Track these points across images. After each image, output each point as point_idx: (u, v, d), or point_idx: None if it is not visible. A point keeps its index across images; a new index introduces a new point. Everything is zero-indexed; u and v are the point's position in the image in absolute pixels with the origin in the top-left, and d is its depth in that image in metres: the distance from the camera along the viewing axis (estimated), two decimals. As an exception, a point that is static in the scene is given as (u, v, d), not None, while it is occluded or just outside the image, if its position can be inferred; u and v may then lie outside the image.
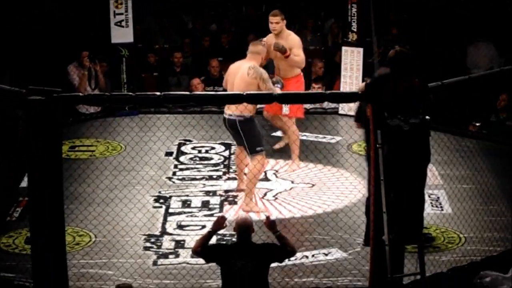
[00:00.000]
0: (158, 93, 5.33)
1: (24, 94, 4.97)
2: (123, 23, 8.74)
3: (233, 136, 7.03)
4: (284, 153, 7.99)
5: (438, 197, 7.04)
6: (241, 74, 6.84)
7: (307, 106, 9.14)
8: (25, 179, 6.81)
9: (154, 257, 6.21)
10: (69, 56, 9.20)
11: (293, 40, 7.59)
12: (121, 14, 8.77)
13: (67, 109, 8.43)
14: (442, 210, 6.86)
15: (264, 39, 7.55)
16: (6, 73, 9.38)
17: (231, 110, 6.78)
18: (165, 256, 6.22)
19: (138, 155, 7.63)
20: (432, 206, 6.88)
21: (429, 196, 6.92)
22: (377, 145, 5.14)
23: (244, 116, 6.78)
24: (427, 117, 5.09)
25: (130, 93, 5.60)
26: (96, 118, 8.86)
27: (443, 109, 7.99)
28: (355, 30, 8.96)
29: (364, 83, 5.32)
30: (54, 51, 9.42)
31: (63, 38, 9.54)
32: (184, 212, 6.88)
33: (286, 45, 7.50)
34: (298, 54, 7.54)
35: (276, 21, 7.54)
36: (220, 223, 5.25)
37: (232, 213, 6.78)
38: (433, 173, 7.28)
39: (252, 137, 6.81)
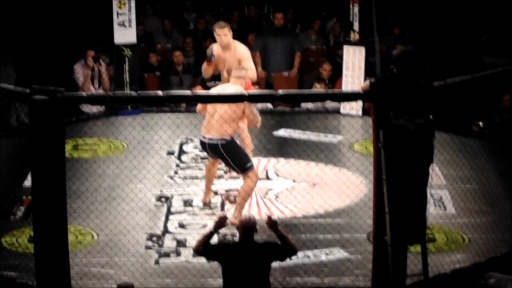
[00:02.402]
0: (160, 92, 5.34)
1: (28, 93, 4.98)
2: (126, 23, 8.75)
3: (211, 156, 6.79)
4: (285, 152, 8.00)
5: (441, 197, 7.05)
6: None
7: (310, 105, 9.17)
8: (29, 177, 6.83)
9: (156, 256, 6.22)
10: (76, 54, 9.23)
11: (242, 53, 7.33)
12: (124, 14, 8.78)
13: (70, 108, 8.46)
14: (445, 210, 6.86)
15: (215, 49, 7.30)
16: (10, 67, 9.43)
17: (210, 134, 6.53)
18: (167, 255, 6.23)
19: (140, 154, 7.64)
20: (435, 206, 6.88)
21: (432, 196, 6.91)
22: (379, 145, 5.14)
23: (225, 139, 6.53)
24: (430, 117, 5.10)
25: (133, 93, 5.59)
26: (98, 117, 8.88)
27: (447, 109, 8.00)
28: (357, 29, 8.96)
29: (367, 82, 5.31)
30: (61, 49, 9.45)
31: (70, 37, 9.58)
32: (186, 211, 6.89)
33: (235, 57, 7.28)
34: (249, 67, 7.23)
35: (224, 34, 7.26)
36: (221, 222, 5.26)
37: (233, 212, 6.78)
38: (436, 173, 7.28)
39: (238, 157, 6.58)
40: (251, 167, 6.60)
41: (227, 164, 6.74)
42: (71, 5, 10.00)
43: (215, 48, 7.32)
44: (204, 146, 6.69)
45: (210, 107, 6.62)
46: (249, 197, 6.69)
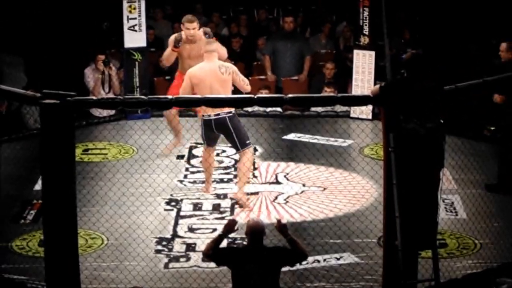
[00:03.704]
0: (169, 96, 5.34)
1: (39, 97, 4.99)
2: (136, 28, 8.76)
3: (212, 139, 7.07)
4: (295, 156, 7.99)
5: (453, 202, 7.01)
6: (215, 76, 6.87)
7: (319, 109, 9.16)
8: (39, 181, 6.84)
9: (165, 260, 6.22)
10: (87, 58, 9.26)
11: (210, 42, 7.56)
12: (134, 18, 8.80)
13: (80, 112, 8.48)
14: (457, 215, 6.83)
15: (183, 35, 7.62)
16: (21, 71, 9.46)
17: (217, 110, 6.82)
18: (176, 259, 6.23)
19: (150, 158, 7.64)
20: (446, 211, 6.85)
21: (443, 201, 6.88)
22: (390, 149, 5.13)
23: (231, 112, 6.90)
24: (441, 120, 5.08)
25: (143, 97, 5.60)
26: (109, 121, 8.89)
27: (458, 113, 7.96)
28: (367, 33, 8.95)
29: (377, 86, 5.29)
30: (71, 53, 9.48)
31: (80, 41, 9.60)
32: (195, 215, 6.89)
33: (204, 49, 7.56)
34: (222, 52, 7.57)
35: (193, 27, 7.63)
36: (231, 226, 5.25)
37: (243, 216, 6.78)
38: (447, 178, 7.24)
39: (241, 131, 6.94)
40: (250, 144, 6.99)
41: (230, 139, 6.98)
42: (81, 9, 10.03)
43: (183, 34, 7.63)
44: (209, 125, 6.93)
45: (203, 90, 6.82)
46: (250, 173, 6.99)
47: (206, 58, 7.00)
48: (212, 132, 6.99)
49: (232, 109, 6.90)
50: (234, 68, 7.01)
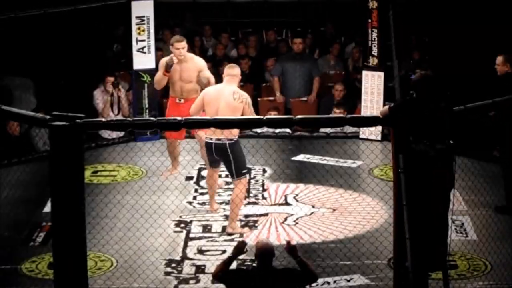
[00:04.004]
0: (179, 118, 5.34)
1: (48, 120, 5.00)
2: (145, 49, 8.80)
3: (214, 161, 7.04)
4: (304, 177, 7.97)
5: (463, 223, 6.98)
6: (226, 99, 6.85)
7: (328, 130, 9.15)
8: (48, 203, 6.84)
9: (175, 282, 6.20)
10: (96, 80, 9.30)
11: (199, 62, 7.78)
12: (143, 40, 8.84)
13: (89, 134, 8.50)
14: (467, 236, 6.79)
15: (174, 59, 7.66)
16: (30, 94, 9.50)
17: (218, 134, 6.79)
18: (186, 281, 6.21)
19: (159, 179, 7.64)
20: (457, 232, 6.82)
21: (453, 222, 6.85)
22: (399, 170, 5.11)
23: (233, 138, 6.85)
24: (451, 141, 5.07)
25: (152, 118, 5.60)
26: (118, 143, 8.91)
27: (467, 134, 7.93)
28: (375, 54, 8.96)
29: (386, 107, 5.28)
30: (81, 75, 9.52)
31: (89, 63, 9.64)
32: (205, 237, 6.87)
33: (193, 68, 7.67)
34: (210, 74, 7.68)
35: (182, 47, 7.68)
36: (240, 248, 5.23)
37: (252, 238, 6.76)
38: (457, 199, 7.21)
39: (240, 159, 6.89)
40: (246, 173, 6.95)
41: (227, 165, 6.92)
42: (91, 32, 10.08)
43: (174, 59, 7.65)
44: (209, 148, 6.90)
45: (211, 110, 6.84)
46: (242, 204, 6.93)
47: (227, 81, 6.97)
48: (211, 155, 6.97)
49: (235, 136, 6.84)
50: (249, 99, 6.91)
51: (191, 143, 8.02)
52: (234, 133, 6.84)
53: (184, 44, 7.69)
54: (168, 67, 7.65)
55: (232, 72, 6.99)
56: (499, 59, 7.47)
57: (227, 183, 7.68)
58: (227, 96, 6.85)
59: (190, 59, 7.72)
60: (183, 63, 7.69)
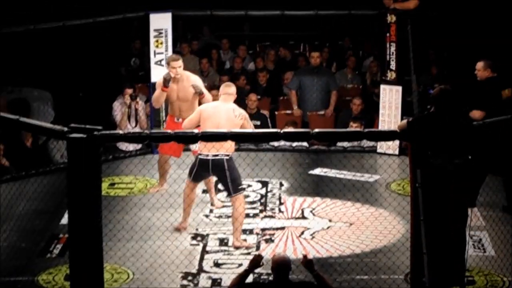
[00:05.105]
0: (195, 131, 5.35)
1: (66, 132, 5.02)
2: (163, 62, 8.83)
3: (201, 177, 7.06)
4: (321, 191, 7.95)
5: (481, 239, 6.93)
6: (227, 117, 6.88)
7: (345, 144, 9.13)
8: (65, 215, 6.86)
9: (191, 295, 6.19)
10: (115, 92, 9.35)
11: (197, 80, 7.74)
12: (161, 53, 8.87)
13: (107, 146, 8.53)
14: (485, 252, 6.74)
15: (171, 75, 7.68)
16: (48, 106, 9.55)
17: (216, 150, 6.76)
18: (202, 294, 6.20)
19: (176, 192, 7.64)
20: (475, 248, 6.77)
21: (471, 238, 6.80)
22: (417, 185, 5.09)
23: (229, 154, 6.84)
24: (469, 156, 5.04)
25: (169, 131, 5.61)
26: (135, 155, 8.93)
27: (485, 149, 7.89)
28: (393, 68, 8.94)
29: (404, 121, 5.27)
30: (99, 87, 9.57)
31: (108, 75, 9.69)
32: (221, 250, 6.86)
33: (189, 86, 7.63)
34: (206, 91, 7.70)
35: (179, 66, 7.67)
36: (257, 261, 5.22)
37: (268, 252, 6.74)
38: (475, 214, 7.17)
39: (237, 175, 6.87)
40: (243, 189, 6.93)
41: (223, 182, 6.91)
42: (109, 43, 10.14)
43: (171, 73, 7.68)
44: (205, 164, 6.85)
45: (209, 127, 6.84)
46: (243, 218, 6.90)
47: (224, 99, 7.00)
48: (206, 172, 6.93)
49: (231, 152, 6.85)
50: (246, 114, 6.99)
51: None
52: (233, 147, 6.86)
53: (180, 63, 7.68)
54: (166, 82, 7.67)
55: (229, 90, 7.04)
56: (479, 64, 7.52)
57: (221, 201, 7.66)
58: (228, 113, 6.90)
59: (186, 78, 7.69)
60: (180, 82, 7.68)
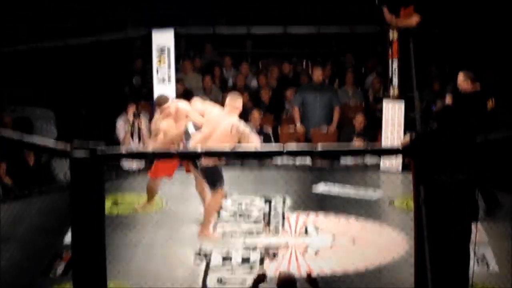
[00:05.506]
0: (199, 148, 5.35)
1: (69, 150, 5.02)
2: (165, 79, 8.85)
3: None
4: (325, 207, 7.94)
5: (484, 255, 6.91)
6: (224, 129, 6.96)
7: (349, 160, 9.13)
8: (69, 233, 6.85)
9: (195, 313, 6.17)
10: (118, 110, 9.37)
11: (184, 109, 7.55)
12: (164, 70, 8.89)
13: (109, 164, 8.53)
14: (489, 268, 6.73)
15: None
16: (51, 124, 9.58)
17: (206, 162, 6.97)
18: (206, 312, 6.18)
19: (179, 209, 7.64)
20: (478, 263, 6.75)
21: (475, 254, 6.79)
22: (420, 201, 5.08)
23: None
24: (473, 173, 5.03)
25: (172, 150, 5.62)
26: (138, 173, 8.93)
27: (489, 164, 7.89)
28: (396, 84, 8.95)
29: (407, 138, 5.27)
30: (102, 105, 9.60)
31: (111, 93, 9.72)
32: (225, 267, 6.85)
33: (183, 118, 7.51)
34: (195, 118, 7.44)
35: (168, 106, 7.54)
36: (260, 278, 5.21)
37: (272, 269, 6.72)
38: (478, 230, 7.14)
39: (219, 173, 7.08)
40: (223, 184, 7.08)
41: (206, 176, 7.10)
42: (112, 61, 10.17)
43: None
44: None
45: (209, 127, 7.00)
46: (215, 212, 7.10)
47: (228, 111, 7.07)
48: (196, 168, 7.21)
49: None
50: (245, 131, 6.97)
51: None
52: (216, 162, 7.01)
53: (168, 103, 7.52)
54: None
55: (235, 103, 7.07)
56: (459, 77, 7.51)
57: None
58: (226, 127, 6.95)
59: (175, 112, 7.48)
60: (178, 122, 7.57)
